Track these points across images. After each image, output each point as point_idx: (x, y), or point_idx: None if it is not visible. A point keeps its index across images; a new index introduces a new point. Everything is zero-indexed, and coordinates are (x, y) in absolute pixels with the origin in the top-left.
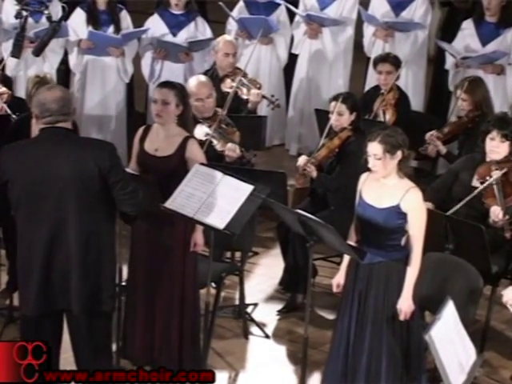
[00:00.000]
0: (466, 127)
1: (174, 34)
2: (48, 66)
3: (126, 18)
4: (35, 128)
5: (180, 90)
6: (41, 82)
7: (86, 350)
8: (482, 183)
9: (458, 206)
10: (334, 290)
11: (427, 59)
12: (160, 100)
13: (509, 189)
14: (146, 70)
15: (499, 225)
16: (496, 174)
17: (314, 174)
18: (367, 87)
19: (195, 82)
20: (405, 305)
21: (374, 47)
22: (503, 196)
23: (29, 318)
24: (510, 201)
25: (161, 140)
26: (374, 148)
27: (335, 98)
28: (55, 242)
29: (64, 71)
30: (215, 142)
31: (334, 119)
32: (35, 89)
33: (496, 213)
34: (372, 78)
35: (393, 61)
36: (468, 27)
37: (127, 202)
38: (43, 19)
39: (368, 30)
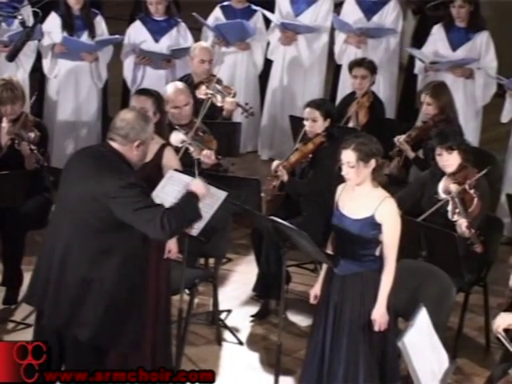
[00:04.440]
0: (430, 131)
1: (157, 40)
2: (21, 70)
3: (100, 24)
4: (3, 131)
5: (157, 98)
6: (5, 84)
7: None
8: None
9: (422, 218)
10: (311, 301)
11: (399, 66)
12: (138, 108)
13: (468, 200)
14: (128, 75)
15: (467, 236)
16: (454, 188)
17: (285, 177)
18: (339, 94)
19: (173, 89)
20: (378, 315)
21: (346, 54)
22: (464, 209)
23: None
24: (473, 212)
25: None
26: (348, 155)
27: (309, 105)
28: (53, 245)
29: (39, 76)
30: (191, 149)
31: (308, 125)
32: None
33: (461, 225)
34: (344, 86)
35: (368, 65)
36: (438, 32)
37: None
38: (15, 24)
39: (339, 37)
